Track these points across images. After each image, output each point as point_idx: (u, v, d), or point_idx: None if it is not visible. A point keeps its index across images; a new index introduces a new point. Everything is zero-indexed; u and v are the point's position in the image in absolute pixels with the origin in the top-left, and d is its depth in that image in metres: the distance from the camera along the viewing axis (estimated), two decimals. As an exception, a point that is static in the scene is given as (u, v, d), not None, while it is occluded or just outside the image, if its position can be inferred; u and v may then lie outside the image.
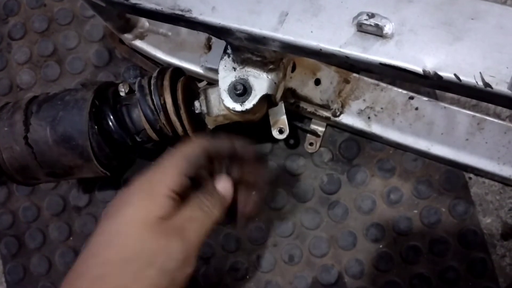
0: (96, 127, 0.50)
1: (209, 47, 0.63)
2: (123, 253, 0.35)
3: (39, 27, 0.76)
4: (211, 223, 0.40)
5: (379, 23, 0.34)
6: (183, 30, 0.64)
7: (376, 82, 0.60)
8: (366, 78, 0.61)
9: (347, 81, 0.61)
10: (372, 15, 0.34)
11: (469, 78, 0.32)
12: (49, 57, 0.75)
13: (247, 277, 0.66)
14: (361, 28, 0.35)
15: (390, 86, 0.60)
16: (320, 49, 0.36)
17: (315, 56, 0.37)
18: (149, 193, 0.37)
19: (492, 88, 0.32)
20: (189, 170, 0.39)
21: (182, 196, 0.39)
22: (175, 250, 0.36)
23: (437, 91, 0.63)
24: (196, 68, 0.63)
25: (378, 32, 0.34)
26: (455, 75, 0.32)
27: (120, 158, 0.55)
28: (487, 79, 0.32)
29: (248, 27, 0.38)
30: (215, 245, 0.67)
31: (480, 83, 0.32)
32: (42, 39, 0.76)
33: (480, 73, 0.32)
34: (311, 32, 0.36)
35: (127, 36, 0.65)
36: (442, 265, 0.61)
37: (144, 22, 0.65)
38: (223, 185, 0.42)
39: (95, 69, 0.73)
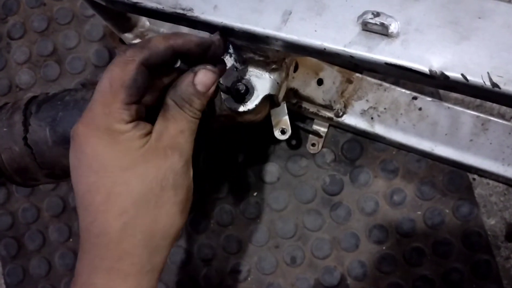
0: (96, 127, 0.49)
1: (210, 47, 0.62)
2: (133, 196, 0.34)
3: (39, 26, 0.75)
4: (196, 125, 0.38)
5: (385, 22, 0.33)
6: (184, 30, 0.64)
7: (379, 82, 0.60)
8: (369, 78, 0.60)
9: (350, 81, 0.60)
10: (377, 14, 0.34)
11: (477, 78, 0.32)
12: (48, 57, 0.74)
13: (249, 279, 0.65)
14: (366, 27, 0.34)
15: (393, 86, 0.60)
16: (324, 49, 0.35)
17: (319, 55, 0.37)
18: (109, 135, 0.34)
19: (500, 88, 0.31)
20: (132, 97, 0.34)
21: (151, 108, 0.37)
22: (178, 165, 0.36)
23: (441, 91, 0.63)
24: (197, 68, 0.63)
25: (383, 31, 0.34)
26: (462, 75, 0.32)
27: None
28: (495, 79, 0.31)
29: (251, 26, 0.37)
30: (216, 246, 0.66)
31: (488, 83, 0.31)
32: (42, 38, 0.75)
33: (488, 73, 0.31)
34: (315, 31, 0.36)
35: (127, 36, 0.64)
36: (446, 267, 0.61)
37: (145, 22, 0.64)
38: (201, 80, 0.37)
39: (95, 69, 0.73)
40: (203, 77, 0.37)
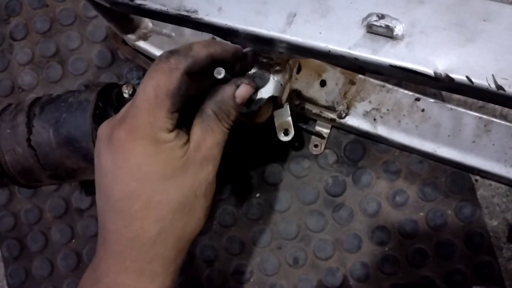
0: (99, 129, 0.50)
1: (213, 48, 0.62)
2: (171, 204, 0.36)
3: (41, 27, 0.75)
4: (227, 136, 0.40)
5: (389, 24, 0.33)
6: (187, 31, 0.64)
7: (382, 83, 0.60)
8: (372, 80, 0.60)
9: (352, 83, 0.60)
10: (382, 16, 0.34)
11: (482, 80, 0.32)
12: (51, 58, 0.75)
13: (251, 280, 0.65)
14: (370, 29, 0.34)
15: (396, 88, 0.60)
16: (329, 51, 0.35)
17: (323, 57, 0.37)
18: (154, 144, 0.35)
19: (504, 90, 0.31)
20: (176, 105, 0.36)
21: (186, 116, 0.38)
22: (211, 175, 0.39)
23: (444, 93, 0.63)
24: (200, 69, 0.63)
25: (388, 34, 0.34)
26: (467, 77, 0.32)
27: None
28: (500, 82, 0.31)
29: (255, 28, 0.37)
30: (219, 247, 0.66)
31: (493, 86, 0.31)
32: (44, 39, 0.75)
33: (493, 75, 0.31)
34: (320, 33, 0.36)
35: (130, 37, 0.64)
36: (448, 268, 0.61)
37: (148, 23, 0.64)
38: (241, 93, 0.39)
39: (98, 70, 0.73)
40: (243, 90, 0.39)
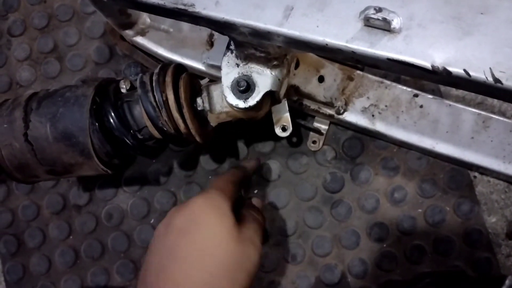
0: (97, 124, 0.49)
1: (211, 44, 0.62)
2: (219, 264, 0.42)
3: (39, 23, 0.75)
4: (262, 230, 0.50)
5: (387, 18, 0.33)
6: (185, 27, 0.64)
7: (380, 79, 0.60)
8: (370, 76, 0.60)
9: (351, 79, 0.60)
10: (379, 9, 0.33)
11: (479, 73, 0.31)
12: (49, 54, 0.74)
13: (249, 276, 0.65)
14: (368, 22, 0.34)
15: (394, 84, 0.60)
16: (326, 44, 0.35)
17: (320, 51, 0.37)
18: (219, 212, 0.45)
19: (502, 84, 0.31)
20: (235, 194, 0.51)
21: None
22: (254, 255, 0.45)
23: (442, 89, 0.63)
24: (198, 65, 0.63)
25: (385, 27, 0.34)
26: (464, 70, 0.32)
27: (121, 156, 0.54)
28: (497, 75, 0.31)
29: (253, 21, 0.37)
30: (217, 244, 0.66)
31: (490, 79, 0.31)
32: (42, 35, 0.75)
33: (490, 68, 0.31)
34: (317, 27, 0.35)
35: (128, 33, 0.64)
36: (447, 264, 0.61)
37: (146, 18, 0.64)
38: (256, 202, 0.57)
39: (96, 66, 0.72)
40: (255, 200, 0.58)
